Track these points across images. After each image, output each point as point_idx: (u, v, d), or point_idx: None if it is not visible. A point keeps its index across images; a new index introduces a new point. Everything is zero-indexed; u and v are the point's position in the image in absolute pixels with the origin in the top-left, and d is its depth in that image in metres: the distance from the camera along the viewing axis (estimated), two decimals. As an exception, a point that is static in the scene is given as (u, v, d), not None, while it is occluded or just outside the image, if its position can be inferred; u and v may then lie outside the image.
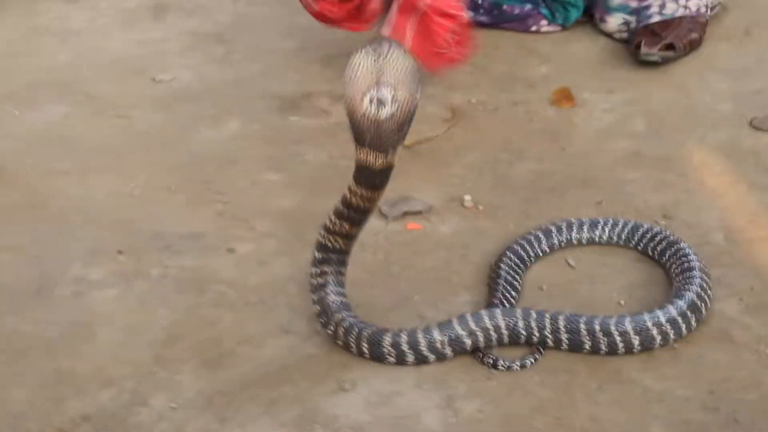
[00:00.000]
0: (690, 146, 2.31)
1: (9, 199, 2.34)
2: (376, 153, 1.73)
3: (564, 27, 2.79)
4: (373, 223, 2.05)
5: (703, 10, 2.68)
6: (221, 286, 2.04)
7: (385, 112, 1.72)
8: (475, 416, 1.71)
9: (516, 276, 1.99)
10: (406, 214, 2.18)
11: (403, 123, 1.75)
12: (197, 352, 1.89)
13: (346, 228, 1.80)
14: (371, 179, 1.75)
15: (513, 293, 1.95)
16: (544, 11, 2.75)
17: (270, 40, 2.77)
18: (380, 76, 1.71)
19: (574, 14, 2.75)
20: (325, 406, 1.75)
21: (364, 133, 1.74)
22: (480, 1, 2.79)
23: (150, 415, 1.74)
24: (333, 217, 1.78)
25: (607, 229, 2.10)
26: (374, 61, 1.71)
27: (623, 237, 2.09)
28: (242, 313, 1.97)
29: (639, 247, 2.07)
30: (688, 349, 1.79)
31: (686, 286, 1.86)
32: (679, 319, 1.80)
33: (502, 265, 1.99)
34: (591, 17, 2.82)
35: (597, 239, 2.11)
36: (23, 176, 2.39)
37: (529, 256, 2.06)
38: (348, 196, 1.76)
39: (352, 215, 1.79)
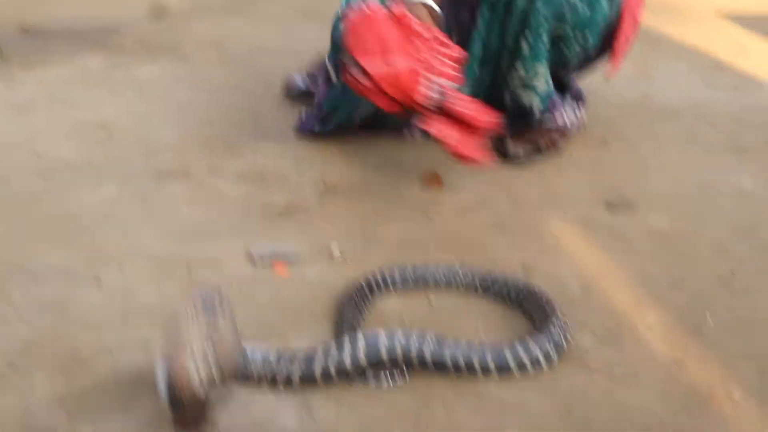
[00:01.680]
0: (549, 219, 2.37)
1: None
2: None
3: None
4: (238, 267, 2.17)
5: (567, 123, 2.75)
6: (84, 309, 2.00)
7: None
8: (332, 419, 1.69)
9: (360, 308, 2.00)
10: (274, 257, 2.16)
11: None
12: (53, 360, 1.83)
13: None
14: None
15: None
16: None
17: (151, 127, 2.77)
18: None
19: None
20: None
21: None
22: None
23: None
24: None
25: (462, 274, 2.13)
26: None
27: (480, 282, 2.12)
28: (103, 331, 1.91)
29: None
30: (544, 372, 1.76)
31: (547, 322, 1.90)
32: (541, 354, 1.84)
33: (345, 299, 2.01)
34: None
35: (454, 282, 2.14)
36: None
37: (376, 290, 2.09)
38: None
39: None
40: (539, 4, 2.54)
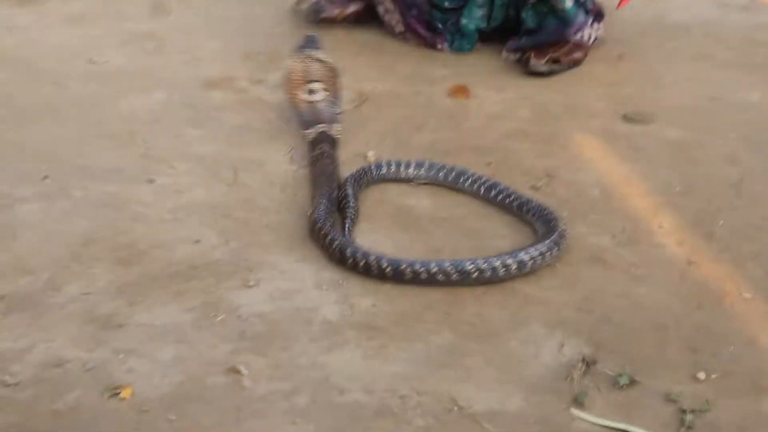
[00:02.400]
0: (570, 129, 2.37)
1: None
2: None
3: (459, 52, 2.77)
4: (279, 166, 2.16)
5: (586, 39, 2.71)
6: (138, 206, 2.00)
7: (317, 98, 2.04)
8: (369, 311, 1.69)
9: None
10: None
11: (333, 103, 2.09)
12: (112, 252, 1.87)
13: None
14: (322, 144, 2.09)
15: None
16: (451, 42, 2.75)
17: (198, 39, 2.74)
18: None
19: (466, 46, 2.75)
20: (229, 298, 1.72)
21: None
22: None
23: (63, 299, 1.70)
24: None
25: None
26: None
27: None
28: (156, 226, 1.93)
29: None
30: (565, 268, 1.83)
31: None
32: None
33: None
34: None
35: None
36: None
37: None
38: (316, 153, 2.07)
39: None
40: None
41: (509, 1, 2.68)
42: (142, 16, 2.91)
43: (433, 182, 2.10)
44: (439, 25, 2.81)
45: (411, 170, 2.08)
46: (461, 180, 2.10)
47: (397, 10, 2.79)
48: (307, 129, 2.19)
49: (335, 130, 2.19)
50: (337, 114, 2.23)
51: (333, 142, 2.16)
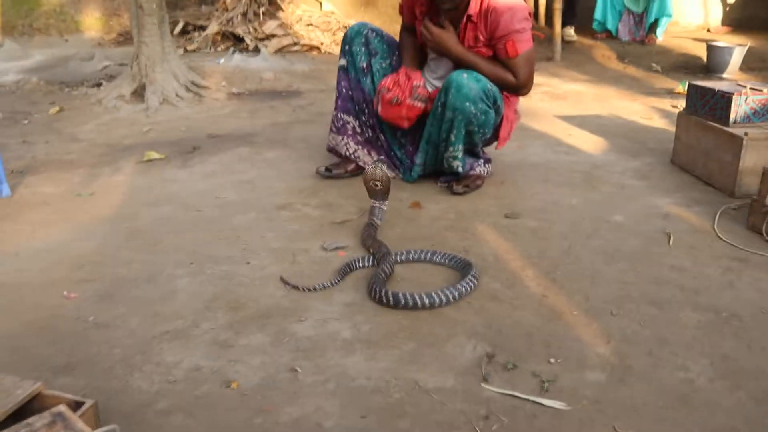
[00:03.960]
0: (476, 223, 2.36)
1: (137, 242, 2.27)
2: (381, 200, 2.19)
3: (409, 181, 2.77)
4: (317, 253, 2.13)
5: (483, 173, 2.72)
6: (241, 278, 2.00)
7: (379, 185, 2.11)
8: (368, 331, 1.68)
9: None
10: (337, 248, 2.12)
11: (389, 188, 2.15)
12: (227, 304, 1.86)
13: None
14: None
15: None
16: (405, 173, 2.75)
17: (274, 182, 2.76)
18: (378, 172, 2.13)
19: (411, 178, 2.74)
20: (291, 327, 1.72)
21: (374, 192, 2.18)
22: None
23: (199, 332, 1.71)
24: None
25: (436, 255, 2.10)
26: (375, 168, 2.13)
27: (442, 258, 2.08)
28: (251, 288, 1.93)
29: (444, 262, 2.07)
30: (475, 302, 1.83)
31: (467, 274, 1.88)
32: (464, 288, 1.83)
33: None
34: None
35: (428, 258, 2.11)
36: (149, 231, 2.34)
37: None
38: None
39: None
40: (459, 117, 2.50)
41: (436, 160, 2.66)
42: (245, 171, 2.91)
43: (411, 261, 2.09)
44: (398, 163, 2.78)
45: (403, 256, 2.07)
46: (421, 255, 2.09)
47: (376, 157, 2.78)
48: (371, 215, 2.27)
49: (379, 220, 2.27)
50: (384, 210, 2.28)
51: (376, 227, 2.21)
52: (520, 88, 2.57)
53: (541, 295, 1.85)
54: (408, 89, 2.53)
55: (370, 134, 2.84)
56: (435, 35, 2.50)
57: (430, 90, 2.67)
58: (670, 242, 2.19)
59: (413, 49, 2.70)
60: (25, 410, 1.15)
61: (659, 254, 2.11)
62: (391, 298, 1.76)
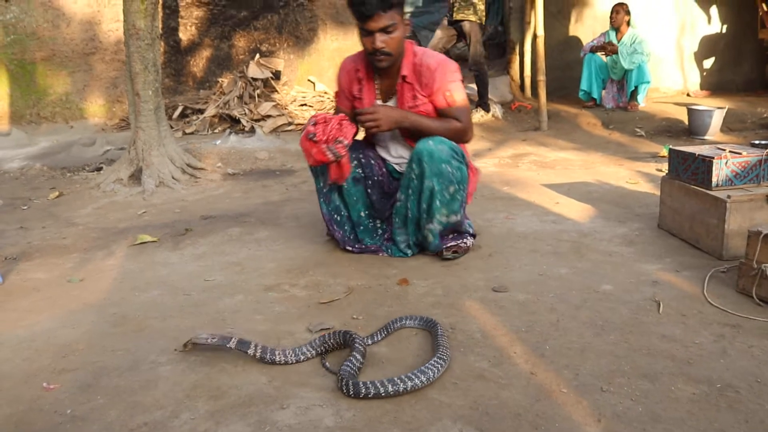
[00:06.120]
0: (463, 298, 2.30)
1: (122, 328, 2.19)
2: None
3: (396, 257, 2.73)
4: (302, 335, 2.06)
5: (469, 243, 2.68)
6: (225, 364, 1.92)
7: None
8: (351, 418, 1.60)
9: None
10: (322, 330, 2.06)
11: None
12: (208, 392, 1.71)
13: None
14: None
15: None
16: (388, 250, 2.72)
17: (262, 263, 2.71)
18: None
19: (398, 253, 2.73)
20: (271, 417, 1.63)
21: None
22: (350, 237, 2.74)
23: (178, 423, 1.60)
24: None
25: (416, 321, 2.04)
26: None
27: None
28: (237, 377, 1.83)
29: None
30: (461, 382, 1.75)
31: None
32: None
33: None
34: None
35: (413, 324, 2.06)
36: (136, 316, 2.27)
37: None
38: None
39: None
40: (440, 181, 2.55)
41: (419, 239, 2.67)
42: (235, 252, 2.88)
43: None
44: (369, 241, 2.77)
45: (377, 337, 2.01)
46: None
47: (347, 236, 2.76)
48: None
49: None
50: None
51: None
52: (466, 132, 2.64)
53: (529, 372, 1.77)
54: (331, 137, 2.45)
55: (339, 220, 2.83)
56: (380, 111, 2.56)
57: (395, 168, 2.78)
58: (660, 310, 2.12)
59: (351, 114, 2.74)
60: None
61: (649, 323, 2.04)
62: (351, 389, 1.66)
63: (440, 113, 2.59)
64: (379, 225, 2.82)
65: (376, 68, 2.63)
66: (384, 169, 2.83)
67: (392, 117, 2.59)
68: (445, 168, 2.51)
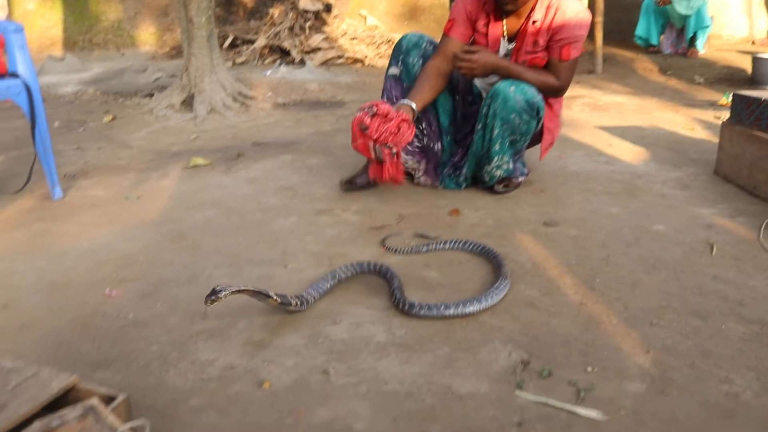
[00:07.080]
0: (514, 231, 2.29)
1: (180, 244, 2.27)
2: None
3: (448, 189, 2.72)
4: (355, 257, 2.08)
5: (521, 179, 2.65)
6: (279, 280, 1.98)
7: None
8: (402, 336, 1.62)
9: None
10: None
11: None
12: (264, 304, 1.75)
13: None
14: None
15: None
16: (443, 181, 2.71)
17: (314, 188, 2.74)
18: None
19: (452, 185, 2.73)
20: (326, 330, 1.67)
21: None
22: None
23: (235, 331, 1.68)
24: None
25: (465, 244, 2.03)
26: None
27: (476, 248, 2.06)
28: (289, 290, 1.85)
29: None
30: (512, 308, 1.76)
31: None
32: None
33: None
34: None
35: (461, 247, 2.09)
36: (192, 234, 2.34)
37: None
38: None
39: None
40: (504, 127, 2.51)
41: (476, 170, 2.66)
42: (287, 177, 2.90)
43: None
44: (439, 171, 2.75)
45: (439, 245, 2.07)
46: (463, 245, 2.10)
47: (425, 167, 2.72)
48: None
49: None
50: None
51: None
52: (559, 90, 2.57)
53: (579, 303, 1.77)
54: (382, 139, 2.29)
55: (426, 142, 2.77)
56: (477, 60, 2.46)
57: (480, 92, 2.69)
58: (713, 252, 2.09)
59: (432, 81, 2.56)
60: (60, 402, 1.14)
61: (702, 265, 2.01)
62: (407, 306, 1.69)
63: (547, 63, 2.50)
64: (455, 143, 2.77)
65: (503, 8, 2.50)
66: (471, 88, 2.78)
67: (489, 64, 2.48)
68: (513, 118, 2.46)
